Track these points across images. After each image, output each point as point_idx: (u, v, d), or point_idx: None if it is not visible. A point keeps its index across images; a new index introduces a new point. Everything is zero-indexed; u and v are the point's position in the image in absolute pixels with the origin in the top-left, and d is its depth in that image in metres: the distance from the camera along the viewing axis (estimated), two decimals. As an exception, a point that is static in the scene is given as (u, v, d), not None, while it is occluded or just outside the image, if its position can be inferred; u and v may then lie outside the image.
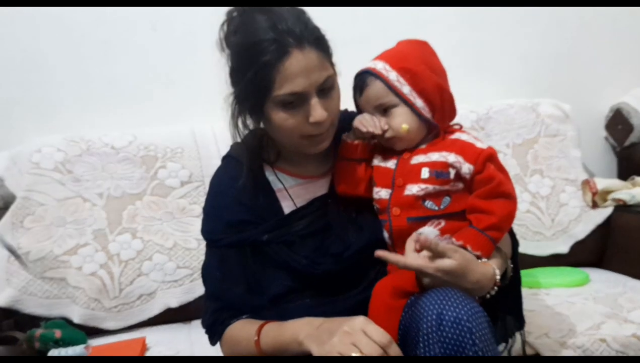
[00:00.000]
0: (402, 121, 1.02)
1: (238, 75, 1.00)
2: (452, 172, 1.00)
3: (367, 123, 1.02)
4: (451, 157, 1.00)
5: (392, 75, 1.02)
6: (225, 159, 1.17)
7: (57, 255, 1.48)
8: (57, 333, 1.35)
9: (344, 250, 1.04)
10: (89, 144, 1.59)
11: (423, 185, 1.00)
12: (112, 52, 1.71)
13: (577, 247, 1.75)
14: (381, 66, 1.03)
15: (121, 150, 1.60)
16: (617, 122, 2.01)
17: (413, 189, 1.00)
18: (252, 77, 0.96)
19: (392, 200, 1.03)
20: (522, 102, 1.87)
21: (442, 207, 1.00)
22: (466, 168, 0.99)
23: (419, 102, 1.02)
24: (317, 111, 0.96)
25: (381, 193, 1.05)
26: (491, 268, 0.97)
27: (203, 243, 1.52)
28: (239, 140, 1.07)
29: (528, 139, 1.83)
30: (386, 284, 0.98)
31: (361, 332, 0.83)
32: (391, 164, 1.06)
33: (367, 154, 1.07)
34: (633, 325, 1.31)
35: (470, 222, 0.99)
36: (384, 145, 1.07)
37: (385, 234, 1.06)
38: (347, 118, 1.09)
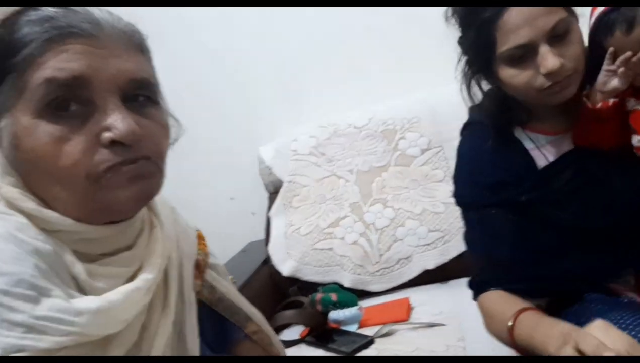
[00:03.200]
0: None
1: (464, 40, 0.99)
2: None
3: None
4: None
5: None
6: (468, 126, 1.15)
7: (322, 229, 1.68)
8: (333, 296, 1.54)
9: (615, 200, 0.97)
10: (335, 126, 1.76)
11: None
12: (349, 38, 1.85)
13: None
14: None
15: (363, 128, 1.74)
16: None
17: None
18: (475, 37, 0.94)
19: None
20: None
21: None
22: None
23: None
24: (549, 60, 0.88)
25: None
26: None
27: (451, 206, 1.61)
28: (472, 104, 1.06)
29: None
30: None
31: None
32: None
33: (617, 110, 0.97)
34: None
35: None
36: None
37: None
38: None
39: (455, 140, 1.69)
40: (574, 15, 0.94)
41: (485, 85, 1.05)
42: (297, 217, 1.72)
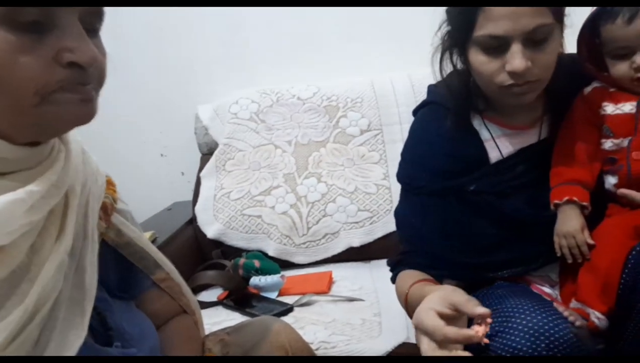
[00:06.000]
0: None
1: (452, 9, 0.98)
2: None
3: None
4: None
5: None
6: (427, 104, 1.12)
7: (253, 195, 1.66)
8: (257, 263, 1.54)
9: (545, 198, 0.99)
10: (279, 95, 1.74)
11: None
12: (300, 11, 1.81)
13: None
14: None
15: (307, 100, 1.73)
16: None
17: None
18: (460, 12, 0.95)
19: (633, 145, 0.95)
20: None
21: None
22: None
23: None
24: (516, 60, 0.88)
25: (619, 142, 0.97)
26: None
27: (382, 189, 1.65)
28: (440, 76, 1.05)
29: None
30: (622, 222, 0.94)
31: None
32: (629, 107, 0.97)
33: None
34: None
35: None
36: (616, 85, 0.99)
37: (612, 182, 0.99)
38: (570, 62, 1.01)
39: (395, 125, 1.74)
40: (560, 24, 0.94)
41: (458, 62, 1.03)
42: (229, 181, 1.69)
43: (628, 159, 0.96)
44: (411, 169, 1.10)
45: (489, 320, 0.79)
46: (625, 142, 0.97)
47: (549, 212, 0.98)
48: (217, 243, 1.66)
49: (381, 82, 1.75)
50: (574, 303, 0.94)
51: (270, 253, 1.63)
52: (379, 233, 1.61)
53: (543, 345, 0.79)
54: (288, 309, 1.32)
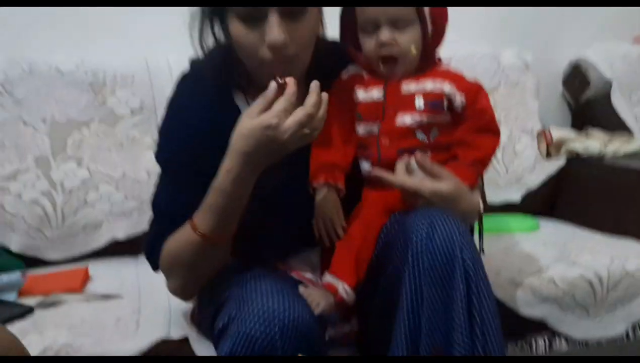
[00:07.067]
0: (411, 42, 0.95)
1: None
2: (445, 103, 0.97)
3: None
4: (446, 87, 0.97)
5: None
6: (186, 77, 1.06)
7: (-7, 181, 1.39)
8: (-7, 260, 1.28)
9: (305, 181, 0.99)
10: (32, 65, 1.49)
11: (417, 116, 0.96)
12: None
13: (530, 196, 1.77)
14: None
15: (67, 74, 1.50)
16: (575, 78, 2.02)
17: (406, 120, 0.96)
18: None
19: (382, 130, 0.98)
20: (484, 51, 1.86)
21: (431, 139, 0.98)
22: (459, 100, 0.97)
23: (430, 28, 0.96)
24: (273, 32, 0.86)
25: (369, 127, 0.99)
26: (477, 200, 0.97)
27: (154, 176, 1.49)
28: (201, 51, 0.99)
29: (489, 88, 1.80)
30: (376, 200, 0.97)
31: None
32: (376, 93, 0.99)
33: None
34: (580, 267, 1.33)
35: (455, 155, 0.98)
36: (369, 69, 1.00)
37: (366, 167, 1.00)
38: (332, 49, 1.01)
39: (170, 108, 1.61)
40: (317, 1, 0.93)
41: (219, 34, 0.97)
42: (-41, 162, 1.39)
43: (378, 144, 0.98)
44: (169, 144, 1.01)
45: None
46: (375, 128, 0.99)
47: (305, 188, 0.97)
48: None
49: (156, 59, 1.60)
50: (326, 277, 0.94)
51: (14, 248, 1.39)
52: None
53: (277, 328, 0.77)
54: (26, 311, 1.11)
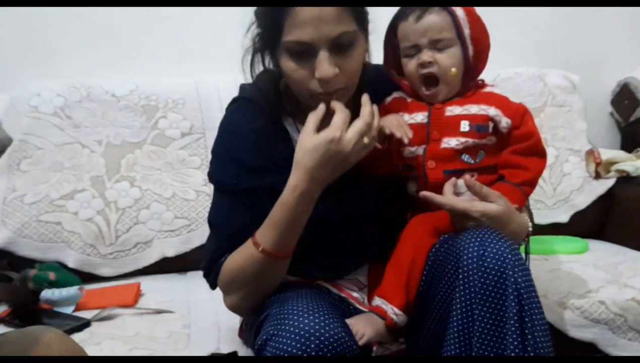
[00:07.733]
0: (453, 64, 0.97)
1: (260, 12, 0.96)
2: (491, 126, 0.98)
3: (393, 126, 0.96)
4: (491, 111, 0.98)
5: (460, 13, 0.96)
6: (239, 100, 1.08)
7: (53, 199, 1.46)
8: (52, 275, 1.34)
9: (361, 201, 1.01)
10: (90, 90, 1.57)
11: (462, 139, 0.97)
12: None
13: (578, 217, 1.73)
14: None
15: (122, 98, 1.58)
16: (624, 97, 1.98)
17: (451, 142, 0.98)
18: (267, 17, 0.93)
19: (427, 153, 0.99)
20: (530, 71, 1.85)
21: (477, 160, 0.99)
22: (505, 122, 0.98)
23: (471, 50, 0.98)
24: (323, 66, 0.89)
25: (415, 150, 1.00)
26: (526, 220, 0.98)
27: (202, 195, 1.55)
28: (250, 77, 1.02)
29: (534, 108, 1.80)
30: (424, 221, 0.98)
31: None
32: (422, 117, 1.01)
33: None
34: (633, 289, 1.30)
35: (503, 177, 0.99)
36: (414, 94, 1.03)
37: (413, 188, 1.02)
38: (376, 74, 1.03)
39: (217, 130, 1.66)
40: (364, 31, 0.95)
41: (269, 64, 1.00)
42: (23, 182, 1.46)
43: (424, 167, 0.99)
44: (224, 165, 1.04)
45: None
46: (420, 150, 1.00)
47: (355, 211, 0.99)
48: (3, 254, 1.41)
49: (205, 83, 1.66)
50: (375, 300, 0.94)
51: (71, 264, 1.44)
52: (197, 242, 1.50)
53: (313, 345, 0.78)
54: (84, 324, 1.15)
